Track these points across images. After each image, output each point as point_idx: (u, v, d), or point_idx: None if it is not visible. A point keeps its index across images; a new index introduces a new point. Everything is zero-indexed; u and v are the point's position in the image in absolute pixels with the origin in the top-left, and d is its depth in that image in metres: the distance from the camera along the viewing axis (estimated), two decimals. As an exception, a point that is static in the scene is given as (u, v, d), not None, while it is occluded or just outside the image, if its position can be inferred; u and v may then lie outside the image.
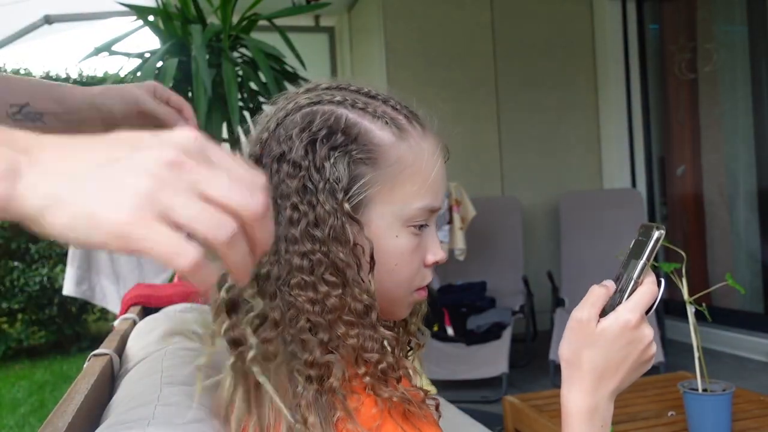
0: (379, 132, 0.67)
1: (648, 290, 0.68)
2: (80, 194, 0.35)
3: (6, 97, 0.75)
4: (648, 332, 0.68)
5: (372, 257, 0.65)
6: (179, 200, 0.35)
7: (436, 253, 0.71)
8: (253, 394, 0.65)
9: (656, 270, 0.75)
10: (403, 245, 0.68)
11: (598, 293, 0.69)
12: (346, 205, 0.64)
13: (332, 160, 0.65)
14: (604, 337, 0.67)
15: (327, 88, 0.70)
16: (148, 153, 0.36)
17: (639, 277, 0.68)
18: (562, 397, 0.69)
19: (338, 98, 0.68)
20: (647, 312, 0.69)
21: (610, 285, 0.69)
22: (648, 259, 0.68)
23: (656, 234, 0.68)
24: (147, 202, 0.35)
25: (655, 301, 0.69)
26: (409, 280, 0.70)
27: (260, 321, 0.64)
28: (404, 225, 0.68)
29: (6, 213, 0.37)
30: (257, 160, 0.68)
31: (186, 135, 0.38)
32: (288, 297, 0.64)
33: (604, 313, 0.68)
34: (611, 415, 0.70)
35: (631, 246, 0.71)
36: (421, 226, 0.69)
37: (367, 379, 0.62)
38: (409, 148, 0.67)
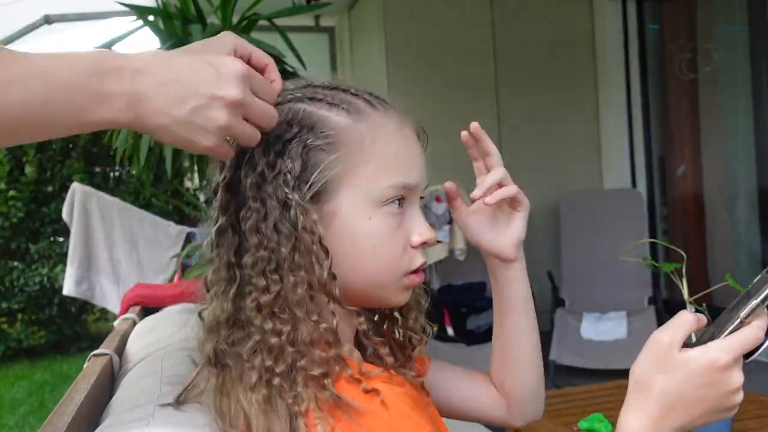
0: (335, 117, 0.67)
1: (751, 334, 0.60)
2: (183, 130, 0.57)
3: None
4: (737, 378, 0.61)
5: (322, 244, 0.64)
6: (238, 127, 0.60)
7: (422, 233, 0.69)
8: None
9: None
10: (379, 227, 0.67)
11: (686, 318, 0.62)
12: (296, 195, 0.64)
13: (287, 153, 0.65)
14: (685, 368, 0.60)
15: (292, 89, 0.71)
16: (224, 97, 0.57)
17: (747, 316, 0.60)
18: (620, 417, 0.63)
19: (297, 95, 0.69)
20: (746, 358, 0.62)
21: (701, 317, 0.63)
22: (763, 301, 0.60)
23: None
24: (222, 133, 0.59)
25: (757, 349, 0.61)
26: (394, 262, 0.68)
27: (228, 322, 0.66)
28: (377, 206, 0.67)
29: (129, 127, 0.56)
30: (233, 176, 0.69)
31: (235, 70, 0.58)
32: (245, 296, 0.65)
33: (699, 343, 0.62)
34: None
35: (754, 281, 0.61)
36: (399, 205, 0.68)
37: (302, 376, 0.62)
38: (368, 128, 0.67)
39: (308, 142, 0.65)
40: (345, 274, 0.66)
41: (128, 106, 0.55)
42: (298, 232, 0.64)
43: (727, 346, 0.60)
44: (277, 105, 0.67)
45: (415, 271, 0.70)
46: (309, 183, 0.65)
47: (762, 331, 0.61)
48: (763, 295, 0.60)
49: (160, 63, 0.57)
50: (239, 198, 0.66)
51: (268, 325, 0.63)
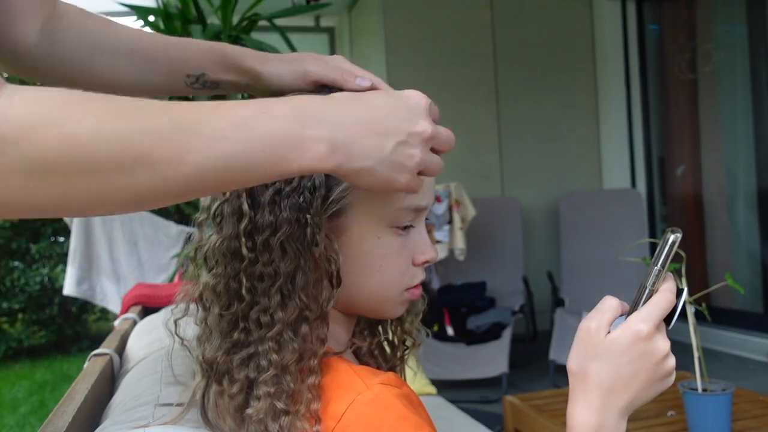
0: None
1: (662, 299, 0.62)
2: (386, 169, 0.55)
3: (181, 66, 0.76)
4: (662, 345, 0.62)
5: (338, 273, 0.64)
6: (428, 159, 0.58)
7: (425, 252, 0.70)
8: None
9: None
10: (387, 246, 0.67)
11: (609, 303, 0.64)
12: (315, 218, 0.63)
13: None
14: (612, 349, 0.62)
15: (311, 92, 0.70)
16: (421, 133, 0.57)
17: (653, 284, 0.63)
18: (568, 412, 0.64)
19: None
20: (668, 324, 0.63)
21: (625, 305, 0.65)
22: (662, 265, 0.62)
23: (671, 238, 0.62)
24: (417, 168, 0.57)
25: (674, 312, 0.63)
26: (397, 280, 0.69)
27: (225, 331, 0.66)
28: (387, 226, 0.67)
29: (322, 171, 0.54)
30: None
31: (424, 103, 0.58)
32: (248, 310, 0.65)
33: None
34: None
35: (655, 253, 0.64)
36: (406, 227, 0.68)
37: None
38: None
39: None
40: (348, 288, 0.66)
41: (331, 152, 0.53)
42: (317, 257, 0.63)
43: (644, 316, 0.62)
44: None
45: (415, 286, 0.71)
46: (328, 203, 0.64)
47: (672, 293, 0.63)
48: (661, 260, 0.62)
49: (358, 103, 0.56)
50: (254, 210, 0.65)
51: (264, 346, 0.63)
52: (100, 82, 0.75)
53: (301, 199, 0.63)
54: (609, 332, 0.63)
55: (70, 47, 0.74)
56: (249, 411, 0.62)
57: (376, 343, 0.78)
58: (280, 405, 0.61)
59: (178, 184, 0.46)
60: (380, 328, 0.79)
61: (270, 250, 0.63)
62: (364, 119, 0.54)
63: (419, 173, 0.59)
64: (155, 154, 0.45)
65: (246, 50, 0.78)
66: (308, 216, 0.63)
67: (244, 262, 0.64)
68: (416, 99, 0.58)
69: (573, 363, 0.64)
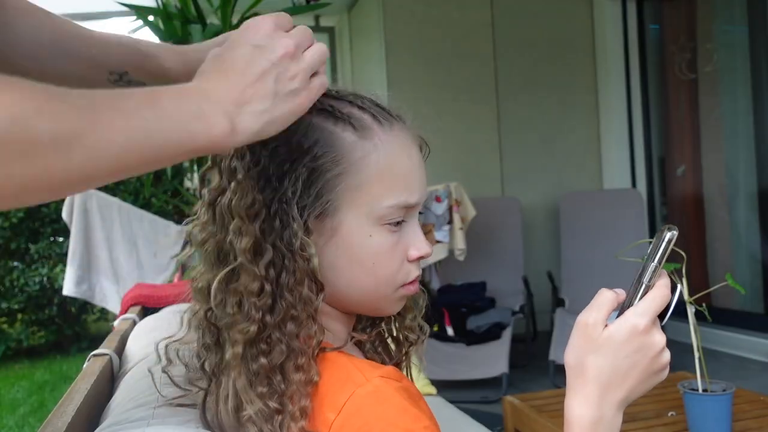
0: (341, 134, 0.66)
1: (659, 294, 0.63)
2: (283, 105, 0.58)
3: (104, 63, 0.72)
4: (659, 339, 0.63)
5: (316, 277, 0.64)
6: (310, 61, 0.61)
7: (419, 248, 0.69)
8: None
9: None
10: (379, 244, 0.67)
11: (606, 297, 0.65)
12: (298, 221, 0.64)
13: (294, 172, 0.64)
14: (609, 343, 0.62)
15: None
16: (287, 51, 0.59)
17: (650, 280, 0.64)
18: (565, 405, 0.65)
19: None
20: (662, 319, 0.65)
21: (620, 292, 0.66)
22: (659, 261, 0.64)
23: (668, 235, 0.63)
24: (306, 84, 0.60)
25: (669, 308, 0.64)
26: (391, 277, 0.68)
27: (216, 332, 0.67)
28: (377, 223, 0.66)
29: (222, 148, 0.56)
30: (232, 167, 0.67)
31: (266, 29, 0.59)
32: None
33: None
34: (619, 428, 0.65)
35: (649, 250, 0.66)
36: (398, 223, 0.68)
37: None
38: (373, 146, 0.66)
39: (315, 162, 0.64)
40: (343, 287, 0.67)
41: (231, 129, 0.55)
42: (298, 257, 0.64)
43: (641, 311, 0.63)
44: None
45: (410, 282, 0.70)
46: (314, 204, 0.65)
47: (667, 288, 0.64)
48: (658, 256, 0.64)
49: (227, 69, 0.57)
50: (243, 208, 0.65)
51: (253, 350, 0.63)
52: (25, 71, 0.70)
53: (288, 203, 0.64)
54: (606, 326, 0.63)
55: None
56: (243, 413, 0.63)
57: (379, 340, 0.78)
58: (272, 405, 0.62)
59: (107, 163, 0.47)
60: (383, 325, 0.79)
61: (260, 252, 0.64)
62: (238, 81, 0.56)
63: (313, 76, 0.61)
64: (87, 132, 0.45)
65: (162, 50, 0.75)
66: (292, 218, 0.63)
67: (234, 265, 0.64)
68: (258, 32, 0.59)
69: (571, 357, 0.65)
